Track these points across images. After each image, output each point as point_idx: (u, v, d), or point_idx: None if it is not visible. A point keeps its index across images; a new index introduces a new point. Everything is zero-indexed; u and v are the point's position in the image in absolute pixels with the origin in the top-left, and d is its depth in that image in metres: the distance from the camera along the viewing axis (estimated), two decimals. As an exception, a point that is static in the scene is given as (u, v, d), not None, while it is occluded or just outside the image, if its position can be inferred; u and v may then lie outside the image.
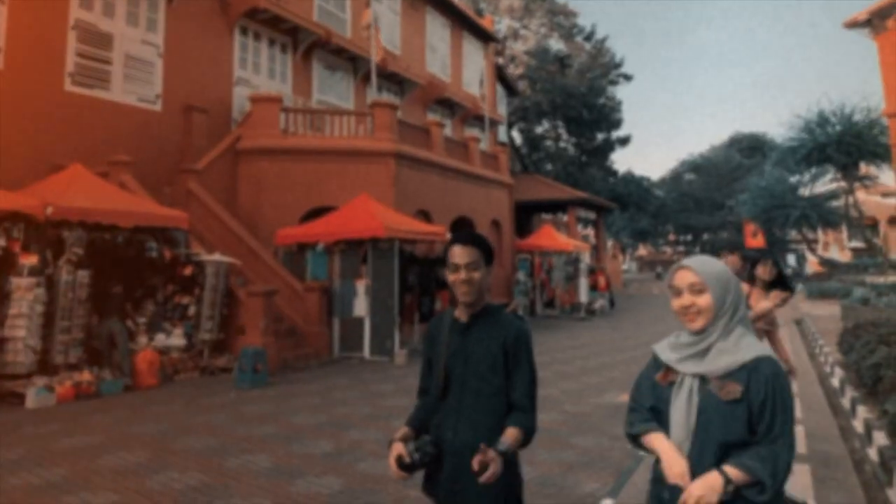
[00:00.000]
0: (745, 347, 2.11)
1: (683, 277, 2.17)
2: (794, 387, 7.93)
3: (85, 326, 9.68)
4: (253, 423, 7.62)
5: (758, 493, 1.99)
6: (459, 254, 2.48)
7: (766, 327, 5.49)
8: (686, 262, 2.21)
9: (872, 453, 5.94)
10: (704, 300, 2.12)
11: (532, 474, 5.62)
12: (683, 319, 2.16)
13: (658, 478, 2.17)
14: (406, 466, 2.38)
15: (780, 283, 5.49)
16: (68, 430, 7.32)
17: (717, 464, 2.02)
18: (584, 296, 22.43)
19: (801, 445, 6.06)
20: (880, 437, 5.93)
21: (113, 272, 10.29)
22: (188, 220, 11.33)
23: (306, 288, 12.87)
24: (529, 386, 2.43)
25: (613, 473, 5.71)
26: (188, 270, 11.14)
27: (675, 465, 2.06)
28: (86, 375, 9.26)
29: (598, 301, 23.37)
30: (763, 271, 5.41)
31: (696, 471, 2.04)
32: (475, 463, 2.22)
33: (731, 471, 1.99)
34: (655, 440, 2.13)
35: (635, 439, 2.22)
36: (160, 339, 10.60)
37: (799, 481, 5.02)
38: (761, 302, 5.18)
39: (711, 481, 1.98)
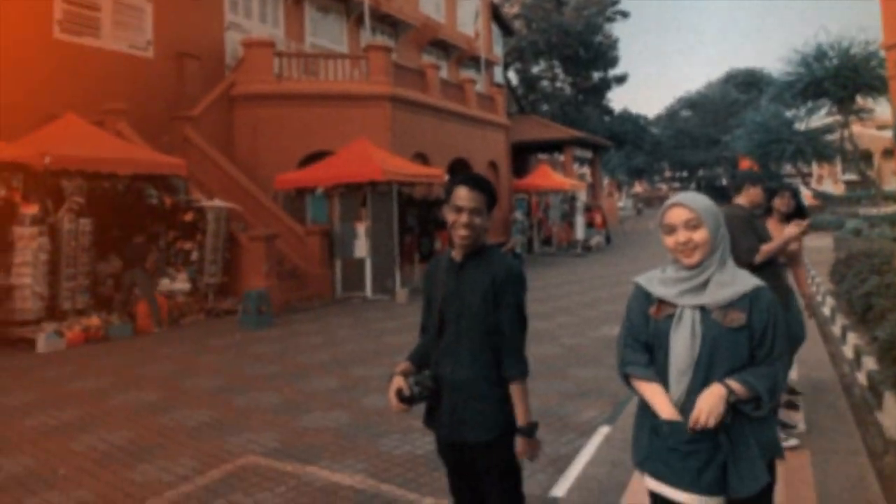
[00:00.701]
0: (742, 278, 2.13)
1: (678, 214, 2.15)
2: (812, 324, 7.93)
3: (90, 273, 9.70)
4: (259, 362, 7.71)
5: (754, 409, 2.04)
6: (465, 197, 2.41)
7: (784, 260, 5.16)
8: (677, 199, 2.18)
9: (861, 378, 6.03)
10: (700, 235, 2.11)
11: (531, 404, 5.70)
12: (679, 255, 2.15)
13: (646, 406, 2.20)
14: (405, 399, 2.40)
15: (799, 215, 5.24)
16: (80, 373, 7.42)
17: None
18: (580, 233, 22.48)
19: (792, 371, 6.15)
20: (869, 363, 6.01)
21: (114, 219, 10.25)
22: (186, 167, 11.22)
23: (307, 231, 12.86)
24: (516, 326, 2.41)
25: (610, 402, 5.80)
26: (189, 217, 11.10)
27: (664, 408, 2.09)
28: (94, 320, 9.34)
29: (595, 238, 23.42)
30: (781, 203, 5.18)
31: (694, 399, 2.06)
32: (520, 454, 2.37)
33: (733, 384, 2.04)
34: (647, 389, 2.14)
35: (628, 379, 2.22)
36: (165, 283, 10.65)
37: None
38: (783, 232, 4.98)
39: (716, 391, 2.03)
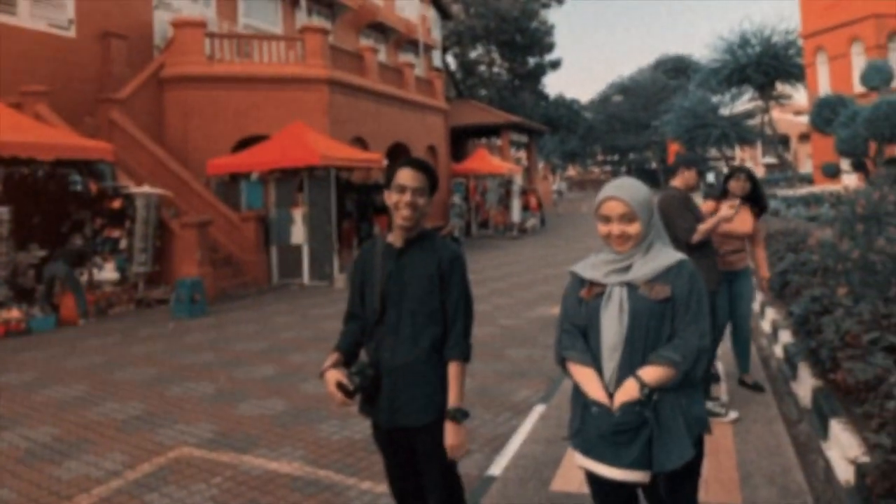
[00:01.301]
0: (665, 254, 2.20)
1: (613, 207, 2.18)
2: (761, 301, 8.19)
3: (9, 263, 9.18)
4: (193, 351, 7.51)
5: (680, 380, 2.10)
6: (409, 176, 2.40)
7: (736, 249, 5.10)
8: (613, 191, 2.20)
9: (778, 350, 6.33)
10: (634, 227, 2.17)
11: (469, 385, 5.76)
12: (612, 243, 2.21)
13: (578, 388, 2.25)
14: (349, 393, 2.35)
15: (755, 198, 5.16)
16: None
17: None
18: (516, 216, 22.73)
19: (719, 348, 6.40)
20: (785, 336, 6.31)
21: (35, 207, 9.71)
22: (113, 152, 10.72)
23: (242, 217, 12.55)
24: (463, 308, 2.42)
25: (545, 381, 5.91)
26: (117, 204, 10.64)
27: (595, 390, 2.13)
28: (14, 313, 8.86)
29: (530, 220, 23.73)
30: (736, 186, 5.08)
31: (626, 375, 2.11)
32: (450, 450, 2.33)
33: (645, 371, 2.08)
34: (580, 372, 2.18)
35: (564, 363, 2.25)
36: (92, 273, 10.19)
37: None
38: (734, 219, 4.86)
39: (629, 388, 2.08)
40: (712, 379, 5.13)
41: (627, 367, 2.11)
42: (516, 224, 22.53)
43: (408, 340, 2.39)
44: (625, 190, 2.19)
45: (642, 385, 2.06)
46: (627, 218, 2.17)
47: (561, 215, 32.18)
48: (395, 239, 2.47)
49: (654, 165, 62.18)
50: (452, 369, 2.38)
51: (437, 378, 2.38)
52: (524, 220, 23.37)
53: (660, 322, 2.11)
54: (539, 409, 5.14)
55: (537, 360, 6.63)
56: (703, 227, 4.51)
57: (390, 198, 2.42)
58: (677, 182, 4.71)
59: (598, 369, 2.16)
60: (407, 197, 2.38)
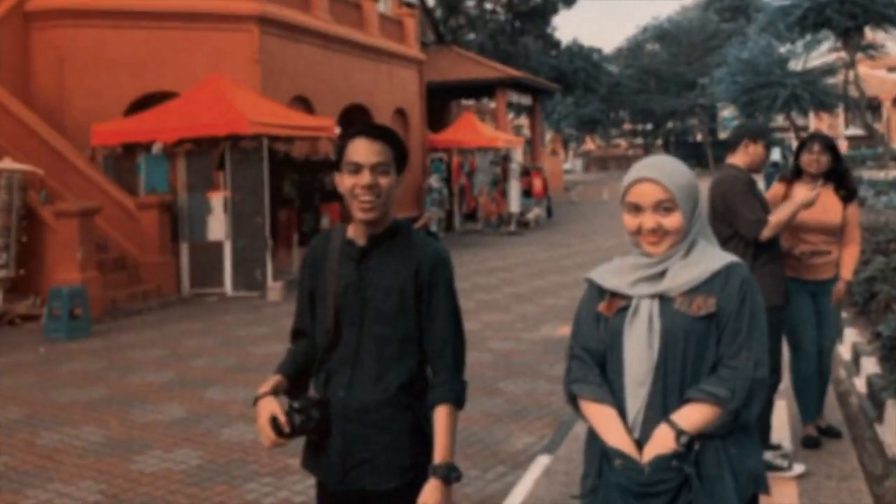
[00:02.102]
0: (710, 256, 2.23)
1: (646, 193, 2.20)
2: None
3: None
4: (74, 385, 7.52)
5: (727, 425, 2.12)
6: (364, 150, 2.36)
7: (819, 250, 5.04)
8: (646, 170, 2.23)
9: (860, 384, 6.47)
10: (673, 221, 2.19)
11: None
12: (642, 242, 2.23)
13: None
14: (283, 433, 2.34)
15: (839, 176, 5.09)
16: None
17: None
18: (514, 204, 22.87)
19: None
20: (870, 365, 6.43)
21: None
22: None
23: (140, 204, 12.51)
24: (452, 334, 2.44)
25: (551, 424, 5.99)
26: (-34, 183, 10.57)
27: (616, 438, 2.16)
28: None
29: (533, 210, 23.92)
30: (809, 160, 5.03)
31: (656, 417, 2.15)
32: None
33: (683, 414, 2.11)
34: (597, 413, 2.21)
35: (575, 400, 2.29)
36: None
37: (776, 420, 5.43)
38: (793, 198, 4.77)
39: (660, 438, 2.11)
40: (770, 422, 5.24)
41: (659, 407, 2.15)
42: (514, 215, 22.67)
43: (370, 374, 2.39)
44: (662, 170, 2.23)
45: (679, 432, 2.09)
46: (664, 207, 2.19)
47: (575, 203, 32.43)
48: (356, 234, 2.46)
49: (699, 138, 62.88)
50: (442, 416, 2.36)
51: (409, 426, 2.39)
52: (525, 209, 23.53)
53: (702, 346, 2.15)
54: (543, 462, 5.23)
55: (541, 396, 6.72)
56: (776, 218, 4.55)
57: (343, 181, 2.38)
58: (738, 160, 4.76)
59: (620, 409, 2.20)
60: (365, 178, 2.34)
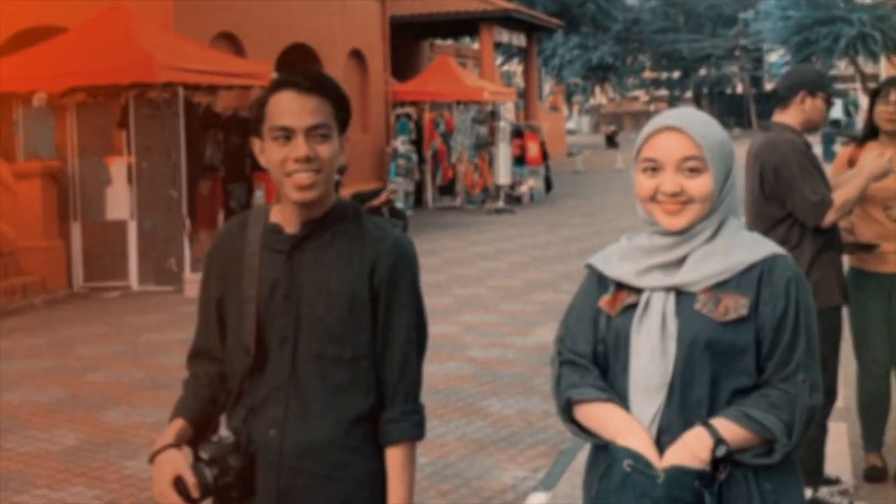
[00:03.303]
0: (745, 242, 2.22)
1: (671, 146, 2.19)
2: None
3: None
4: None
5: (762, 454, 2.12)
6: (295, 109, 2.29)
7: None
8: (673, 118, 2.22)
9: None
10: (700, 185, 2.17)
11: (423, 460, 5.84)
12: (658, 212, 2.21)
13: (601, 449, 2.26)
14: (191, 499, 2.28)
15: None
16: None
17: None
18: (503, 174, 22.83)
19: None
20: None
21: None
22: None
23: (18, 173, 12.39)
24: (415, 352, 2.42)
25: (548, 453, 6.02)
26: None
27: (628, 434, 2.15)
28: None
29: (527, 182, 23.88)
30: (884, 113, 4.97)
31: (667, 440, 2.13)
32: None
33: (725, 425, 2.09)
34: (599, 412, 2.21)
35: (568, 409, 2.28)
36: None
37: (832, 447, 5.47)
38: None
39: (695, 444, 2.08)
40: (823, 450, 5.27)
41: (675, 432, 2.14)
42: (503, 188, 22.67)
43: (314, 408, 2.35)
44: (691, 120, 2.22)
45: (718, 441, 2.07)
46: (691, 166, 2.17)
47: (580, 173, 32.46)
48: (286, 218, 2.40)
49: (739, 89, 63.18)
50: (396, 458, 2.36)
51: (363, 471, 2.37)
52: (517, 181, 23.52)
53: (731, 360, 2.15)
54: (538, 501, 5.25)
55: (535, 417, 6.74)
56: (842, 197, 4.45)
57: (269, 153, 2.33)
58: (790, 117, 4.71)
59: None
60: (300, 148, 2.28)
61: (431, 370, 7.83)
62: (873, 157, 4.57)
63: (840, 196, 4.49)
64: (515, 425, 6.62)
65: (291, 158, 2.28)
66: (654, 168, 2.20)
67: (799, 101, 4.66)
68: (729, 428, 2.09)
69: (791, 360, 2.13)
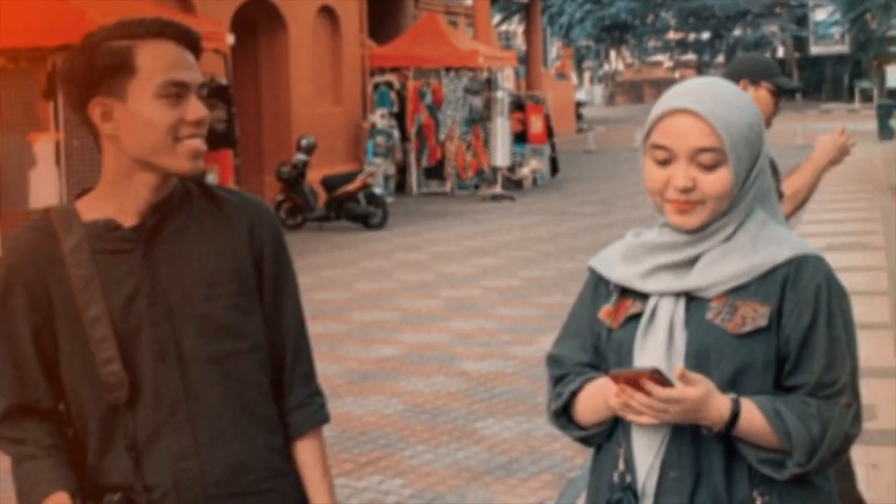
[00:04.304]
0: (772, 240, 2.22)
1: (684, 132, 2.18)
2: None
3: None
4: None
5: (771, 463, 2.15)
6: (185, 61, 2.29)
7: None
8: (687, 97, 2.21)
9: None
10: (718, 182, 2.16)
11: (406, 491, 5.92)
12: (668, 207, 2.22)
13: (604, 458, 2.33)
14: None
15: None
16: None
17: (725, 461, 2.18)
18: (501, 155, 22.77)
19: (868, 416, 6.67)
20: None
21: None
22: None
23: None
24: (303, 328, 2.48)
25: (553, 483, 6.07)
26: None
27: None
28: None
29: (530, 163, 23.91)
30: None
31: (681, 477, 2.17)
32: None
33: (750, 408, 2.10)
34: (589, 390, 2.26)
35: (563, 415, 2.35)
36: None
37: (878, 477, 5.52)
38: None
39: (715, 402, 2.08)
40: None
41: (684, 461, 2.18)
42: (501, 171, 22.67)
43: (224, 421, 2.34)
44: (710, 98, 2.20)
45: (737, 407, 2.10)
46: (706, 159, 2.18)
47: (592, 153, 32.56)
48: (117, 211, 2.32)
49: (780, 53, 63.16)
50: (314, 448, 2.43)
51: (295, 476, 2.44)
52: (518, 162, 23.54)
53: (748, 378, 2.17)
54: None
55: (538, 441, 6.79)
56: (792, 185, 4.62)
57: (148, 113, 2.23)
58: None
59: (628, 460, 2.23)
60: (198, 109, 2.28)
61: (417, 386, 7.98)
62: (828, 136, 4.67)
63: (790, 185, 4.63)
64: (515, 450, 6.66)
65: (187, 121, 2.24)
66: (666, 156, 2.20)
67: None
68: (752, 413, 2.11)
69: (834, 380, 2.13)
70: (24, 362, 2.29)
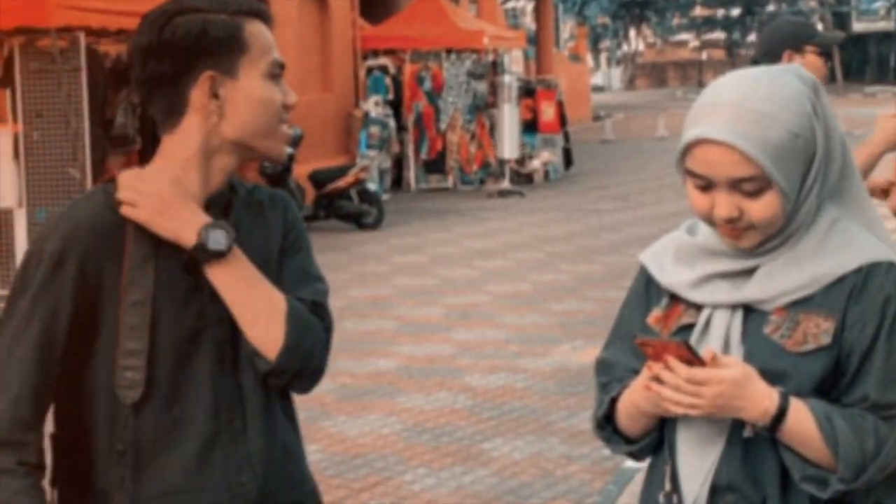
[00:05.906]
0: (842, 245, 2.20)
1: (717, 162, 2.15)
2: None
3: None
4: None
5: (814, 480, 2.14)
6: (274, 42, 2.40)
7: None
8: (715, 123, 2.15)
9: None
10: (765, 208, 2.16)
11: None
12: (721, 233, 2.23)
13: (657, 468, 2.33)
14: None
15: None
16: None
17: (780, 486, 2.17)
18: (508, 146, 22.72)
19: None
20: None
21: None
22: None
23: None
24: (324, 290, 2.52)
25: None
26: None
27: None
28: None
29: (541, 155, 23.92)
30: None
31: (733, 499, 2.19)
32: None
33: (799, 407, 2.09)
34: (631, 387, 2.27)
35: (607, 424, 2.36)
36: None
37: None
38: None
39: (757, 391, 2.09)
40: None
41: (736, 481, 2.19)
42: (508, 163, 22.66)
43: (269, 434, 2.39)
44: (739, 116, 2.16)
45: (782, 410, 2.09)
46: (749, 189, 2.16)
47: (610, 143, 32.59)
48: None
49: (820, 26, 63.15)
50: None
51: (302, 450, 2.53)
52: (528, 153, 23.56)
53: (802, 394, 2.16)
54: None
55: (553, 463, 6.79)
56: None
57: (260, 91, 2.31)
58: None
59: (674, 481, 2.24)
60: (291, 93, 2.39)
61: (417, 403, 7.99)
62: (887, 118, 4.64)
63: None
64: (527, 474, 6.65)
65: (287, 104, 2.35)
66: (704, 183, 2.18)
67: (786, 63, 4.73)
68: (801, 413, 2.11)
69: (883, 398, 2.12)
70: (51, 347, 2.21)
